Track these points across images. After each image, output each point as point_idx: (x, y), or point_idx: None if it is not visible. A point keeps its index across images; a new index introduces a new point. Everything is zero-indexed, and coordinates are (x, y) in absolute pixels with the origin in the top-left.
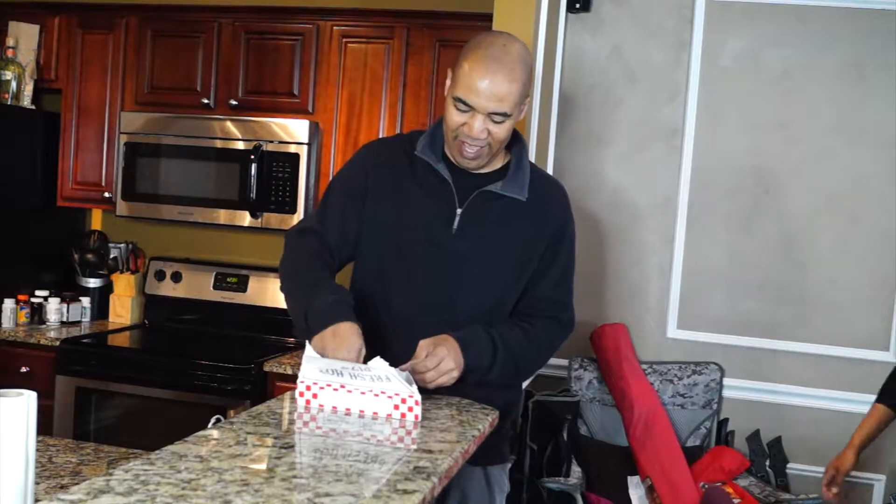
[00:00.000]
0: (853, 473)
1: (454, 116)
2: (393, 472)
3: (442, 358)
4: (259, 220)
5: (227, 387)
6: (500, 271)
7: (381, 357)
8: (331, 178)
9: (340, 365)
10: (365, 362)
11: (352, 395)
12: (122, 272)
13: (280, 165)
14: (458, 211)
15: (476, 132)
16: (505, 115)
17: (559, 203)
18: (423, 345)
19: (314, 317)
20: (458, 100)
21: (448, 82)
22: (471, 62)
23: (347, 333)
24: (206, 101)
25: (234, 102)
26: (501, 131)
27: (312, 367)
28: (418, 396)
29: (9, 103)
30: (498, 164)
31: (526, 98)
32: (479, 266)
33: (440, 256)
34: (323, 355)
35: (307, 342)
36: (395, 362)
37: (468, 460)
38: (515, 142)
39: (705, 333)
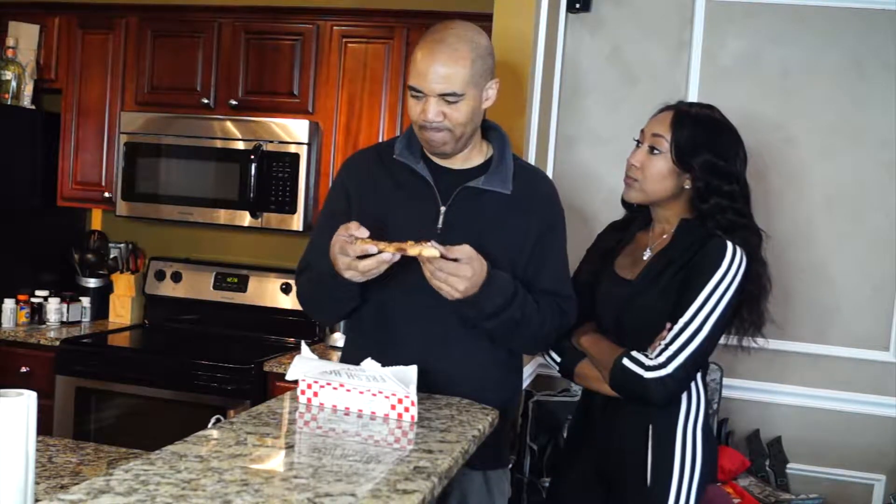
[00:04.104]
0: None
1: (412, 106)
2: (393, 472)
3: (469, 276)
4: (259, 220)
5: (227, 387)
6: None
7: (382, 360)
8: (330, 178)
9: (335, 366)
10: (358, 362)
11: (351, 394)
12: (122, 272)
13: (280, 165)
14: (442, 209)
15: (431, 116)
16: (455, 94)
17: (546, 194)
18: (467, 251)
19: (329, 279)
20: (411, 88)
21: None
22: (419, 49)
23: (332, 255)
24: (206, 101)
25: (234, 102)
26: (458, 113)
27: (303, 368)
28: (414, 397)
29: (9, 103)
30: (479, 159)
31: (487, 80)
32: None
33: None
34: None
35: (302, 343)
36: (393, 363)
37: (468, 464)
38: (495, 135)
39: None
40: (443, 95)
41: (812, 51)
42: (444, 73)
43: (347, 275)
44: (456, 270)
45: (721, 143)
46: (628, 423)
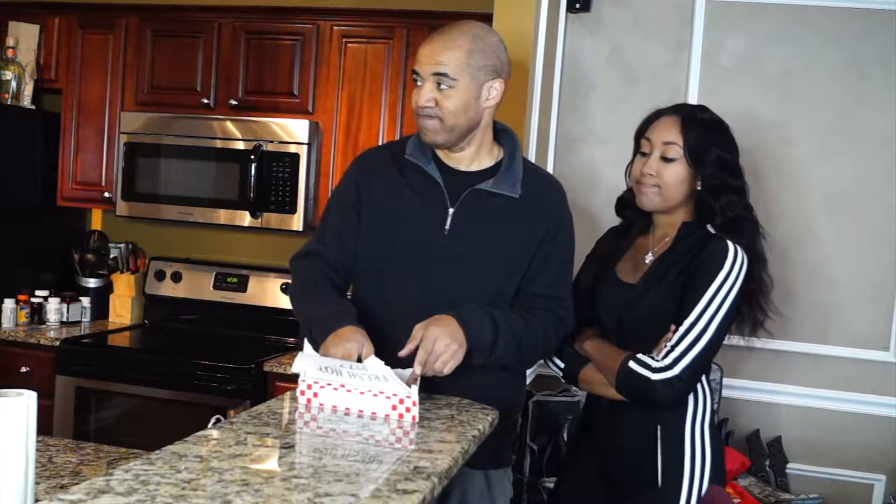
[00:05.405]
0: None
1: (413, 95)
2: (393, 472)
3: (436, 338)
4: (259, 220)
5: (227, 387)
6: (496, 269)
7: (384, 362)
8: (330, 178)
9: (338, 364)
10: (359, 360)
11: (351, 394)
12: (122, 272)
13: (280, 165)
14: (450, 211)
15: (422, 101)
16: (446, 76)
17: (554, 198)
18: (418, 327)
19: (317, 327)
20: (412, 74)
21: None
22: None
23: (343, 334)
24: (206, 101)
25: (234, 102)
26: (449, 101)
27: (307, 363)
28: (416, 397)
29: (9, 103)
30: (490, 161)
31: (487, 76)
32: (474, 265)
33: (434, 257)
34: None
35: (305, 341)
36: (396, 367)
37: (469, 464)
38: (507, 138)
39: None
40: (435, 76)
41: (812, 51)
42: (438, 53)
43: (331, 352)
44: (430, 339)
45: (726, 140)
46: (634, 425)
